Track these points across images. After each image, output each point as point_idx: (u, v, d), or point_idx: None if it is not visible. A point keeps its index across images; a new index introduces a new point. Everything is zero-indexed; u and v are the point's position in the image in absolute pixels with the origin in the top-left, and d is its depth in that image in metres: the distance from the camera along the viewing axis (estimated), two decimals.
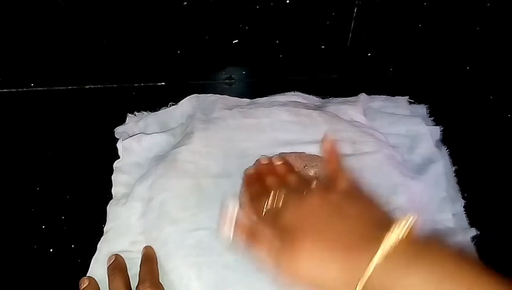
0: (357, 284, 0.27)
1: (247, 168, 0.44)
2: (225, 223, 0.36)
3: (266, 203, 0.36)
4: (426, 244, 0.28)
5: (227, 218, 0.37)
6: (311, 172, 0.44)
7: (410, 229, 0.28)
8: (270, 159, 0.43)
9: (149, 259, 0.40)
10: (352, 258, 0.29)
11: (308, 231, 0.32)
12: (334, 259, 0.30)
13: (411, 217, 0.28)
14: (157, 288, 0.37)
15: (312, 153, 0.46)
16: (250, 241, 0.35)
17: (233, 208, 0.38)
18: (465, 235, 0.43)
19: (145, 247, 0.42)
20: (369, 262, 0.27)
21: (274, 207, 0.35)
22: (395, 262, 0.27)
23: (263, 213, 0.36)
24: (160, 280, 0.39)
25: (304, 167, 0.45)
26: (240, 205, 0.39)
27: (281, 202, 0.35)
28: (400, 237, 0.28)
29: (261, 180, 0.40)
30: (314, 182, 0.37)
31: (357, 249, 0.29)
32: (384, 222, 0.30)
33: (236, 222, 0.36)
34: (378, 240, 0.28)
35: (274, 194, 0.36)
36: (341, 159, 0.39)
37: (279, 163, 0.42)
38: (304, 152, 0.46)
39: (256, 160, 0.44)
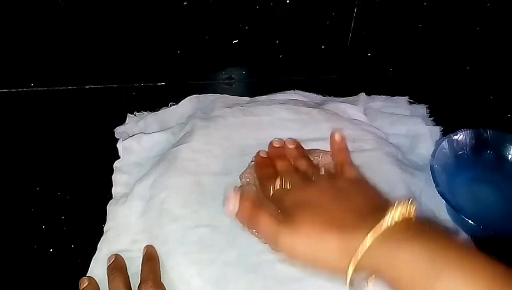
0: (351, 261, 0.29)
1: (260, 150, 0.45)
2: (231, 197, 0.37)
3: (273, 186, 0.37)
4: (420, 225, 0.29)
5: (233, 194, 0.37)
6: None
7: (406, 212, 0.29)
8: (283, 142, 0.44)
9: (151, 258, 0.40)
10: (349, 237, 0.30)
11: (310, 210, 0.33)
12: (331, 237, 0.30)
13: (409, 202, 0.29)
14: (159, 288, 0.37)
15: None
16: (254, 213, 0.35)
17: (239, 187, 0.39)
18: (465, 234, 0.43)
19: (147, 246, 0.42)
20: (367, 237, 0.28)
21: (281, 189, 0.37)
22: (389, 240, 0.28)
23: (270, 195, 0.37)
24: (161, 277, 0.39)
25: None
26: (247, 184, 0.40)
27: (289, 185, 0.37)
28: (396, 219, 0.28)
29: (271, 163, 0.42)
30: (323, 169, 0.39)
31: (353, 228, 0.30)
32: (384, 207, 0.30)
33: (242, 196, 0.37)
34: (375, 221, 0.29)
35: (282, 178, 0.38)
36: (348, 151, 0.41)
37: (291, 146, 0.43)
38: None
39: (270, 142, 0.45)
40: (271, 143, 0.45)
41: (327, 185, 0.36)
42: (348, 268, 0.29)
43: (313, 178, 0.38)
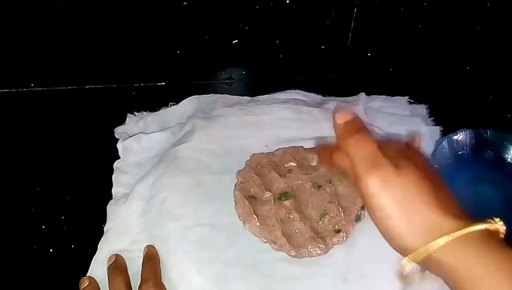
0: (426, 246, 0.26)
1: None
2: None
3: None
4: (503, 248, 0.27)
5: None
6: (313, 162, 0.46)
7: (493, 229, 0.27)
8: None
9: (151, 258, 0.40)
10: (438, 223, 0.27)
11: (415, 171, 0.29)
12: (423, 211, 0.28)
13: (499, 222, 0.27)
14: (160, 288, 0.38)
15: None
16: (361, 131, 0.31)
17: None
18: None
19: (147, 246, 0.42)
20: (447, 235, 0.26)
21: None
22: (469, 247, 0.26)
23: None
24: (162, 277, 0.39)
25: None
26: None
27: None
28: (489, 228, 0.27)
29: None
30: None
31: (449, 216, 0.27)
32: (467, 213, 0.29)
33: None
34: (464, 221, 0.27)
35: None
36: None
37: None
38: (301, 146, 0.48)
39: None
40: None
41: (424, 165, 0.32)
42: (416, 252, 0.27)
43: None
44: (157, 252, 0.41)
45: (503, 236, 0.27)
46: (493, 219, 0.27)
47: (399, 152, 0.31)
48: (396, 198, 0.28)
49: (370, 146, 0.30)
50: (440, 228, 0.27)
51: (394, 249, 0.29)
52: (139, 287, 0.38)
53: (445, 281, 0.27)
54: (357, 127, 0.32)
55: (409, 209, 0.28)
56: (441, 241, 0.26)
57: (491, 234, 0.27)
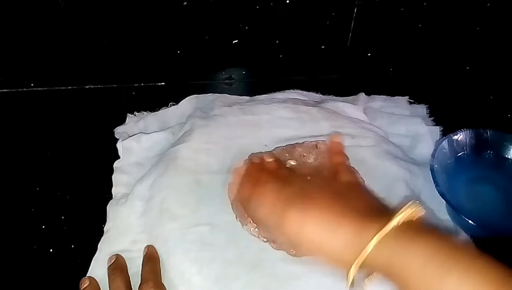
0: (357, 258, 0.28)
1: (235, 168, 0.44)
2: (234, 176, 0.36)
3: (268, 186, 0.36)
4: (427, 226, 0.29)
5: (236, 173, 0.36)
6: (310, 159, 0.46)
7: (413, 214, 0.29)
8: (261, 157, 0.42)
9: (152, 259, 0.40)
10: (359, 231, 0.29)
11: (318, 199, 0.32)
12: (342, 227, 0.30)
13: (414, 205, 0.29)
14: (160, 288, 0.38)
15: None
16: (260, 186, 0.35)
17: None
18: (465, 234, 0.43)
19: (147, 246, 0.42)
20: (374, 238, 0.28)
21: (280, 183, 0.35)
22: (398, 239, 0.28)
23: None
24: (162, 276, 0.39)
25: (302, 156, 0.46)
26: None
27: (284, 179, 0.36)
28: (403, 220, 0.28)
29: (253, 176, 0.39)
30: (308, 176, 0.37)
31: (362, 224, 0.29)
32: (386, 210, 0.31)
33: (245, 174, 0.36)
34: (382, 221, 0.28)
35: (277, 178, 0.36)
36: (346, 156, 0.40)
37: (270, 160, 0.41)
38: (297, 143, 0.47)
39: (245, 160, 0.44)
40: (249, 160, 0.42)
41: (326, 184, 0.35)
42: (352, 263, 0.29)
43: (308, 178, 0.37)
44: (157, 252, 0.41)
45: (422, 217, 0.29)
46: (409, 204, 0.29)
47: (302, 180, 0.35)
48: (316, 229, 0.31)
49: (269, 196, 0.34)
50: (362, 235, 0.29)
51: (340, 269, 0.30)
52: (139, 287, 0.38)
53: (384, 276, 0.29)
54: (251, 179, 0.36)
55: (331, 230, 0.30)
56: (367, 249, 0.28)
57: (412, 222, 0.29)
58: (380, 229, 0.28)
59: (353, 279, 0.29)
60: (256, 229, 0.41)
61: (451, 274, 0.25)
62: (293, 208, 0.32)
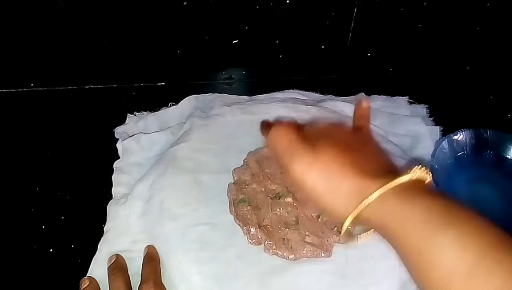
0: (355, 209, 0.29)
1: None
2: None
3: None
4: (432, 188, 0.29)
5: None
6: None
7: (421, 176, 0.29)
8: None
9: (152, 258, 0.40)
10: (364, 184, 0.29)
11: (333, 146, 0.32)
12: (345, 180, 0.30)
13: (421, 169, 0.29)
14: (160, 288, 0.38)
15: None
16: (277, 127, 0.35)
17: None
18: None
19: (148, 246, 0.42)
20: (375, 192, 0.28)
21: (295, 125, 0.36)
22: (401, 195, 0.28)
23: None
24: (162, 276, 0.39)
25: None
26: None
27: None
28: (411, 179, 0.28)
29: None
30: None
31: (366, 179, 0.29)
32: (394, 169, 0.31)
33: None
34: (386, 179, 0.29)
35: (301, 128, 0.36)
36: (370, 120, 0.40)
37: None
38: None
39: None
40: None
41: (337, 135, 0.35)
42: (349, 214, 0.29)
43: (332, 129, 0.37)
44: (157, 252, 0.41)
45: (428, 182, 0.29)
46: (417, 167, 0.29)
47: (320, 133, 0.35)
48: (320, 177, 0.31)
49: (286, 137, 0.34)
50: (363, 191, 0.29)
51: (336, 221, 0.31)
52: (139, 287, 0.38)
53: (380, 235, 0.29)
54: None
55: (333, 182, 0.30)
56: (366, 201, 0.28)
57: (417, 184, 0.29)
58: (382, 186, 0.28)
59: (346, 230, 0.30)
60: (254, 230, 0.41)
61: (448, 230, 0.25)
62: (302, 155, 0.32)
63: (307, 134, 0.34)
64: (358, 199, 0.29)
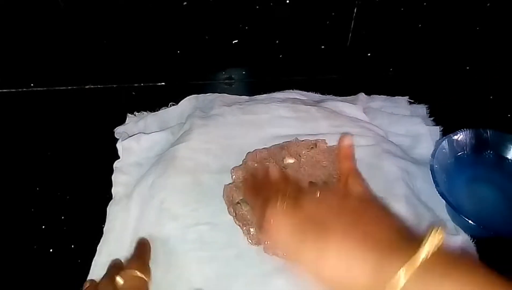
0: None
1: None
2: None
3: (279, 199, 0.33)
4: (457, 258, 0.27)
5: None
6: (308, 157, 0.46)
7: (438, 243, 0.27)
8: (263, 168, 0.40)
9: (141, 246, 0.40)
10: (386, 263, 0.27)
11: (334, 226, 0.29)
12: (366, 260, 0.28)
13: (440, 230, 0.27)
14: (143, 271, 0.36)
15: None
16: (268, 230, 0.32)
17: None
18: (465, 234, 0.43)
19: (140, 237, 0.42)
20: (401, 270, 0.26)
21: (289, 200, 0.33)
22: (428, 273, 0.26)
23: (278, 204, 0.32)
24: (161, 276, 0.39)
25: (299, 154, 0.47)
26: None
27: (294, 199, 0.33)
28: (431, 250, 0.26)
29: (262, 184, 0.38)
30: (317, 191, 0.34)
31: (389, 254, 0.27)
32: (407, 231, 0.29)
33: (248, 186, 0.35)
34: (409, 249, 0.26)
35: (284, 193, 0.33)
36: (355, 160, 0.37)
37: (274, 172, 0.38)
38: (296, 138, 0.48)
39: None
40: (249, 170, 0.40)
41: (338, 204, 0.32)
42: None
43: (318, 194, 0.33)
44: (147, 241, 0.41)
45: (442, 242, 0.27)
46: (433, 233, 0.27)
47: (316, 204, 0.32)
48: (336, 265, 0.28)
49: (284, 228, 0.31)
50: (385, 269, 0.26)
51: None
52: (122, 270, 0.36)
53: None
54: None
55: (351, 266, 0.28)
56: (398, 283, 0.25)
57: (438, 252, 0.26)
58: (406, 261, 0.26)
59: None
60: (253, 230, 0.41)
61: None
62: (309, 241, 0.30)
63: (304, 208, 0.31)
64: (383, 278, 0.26)
